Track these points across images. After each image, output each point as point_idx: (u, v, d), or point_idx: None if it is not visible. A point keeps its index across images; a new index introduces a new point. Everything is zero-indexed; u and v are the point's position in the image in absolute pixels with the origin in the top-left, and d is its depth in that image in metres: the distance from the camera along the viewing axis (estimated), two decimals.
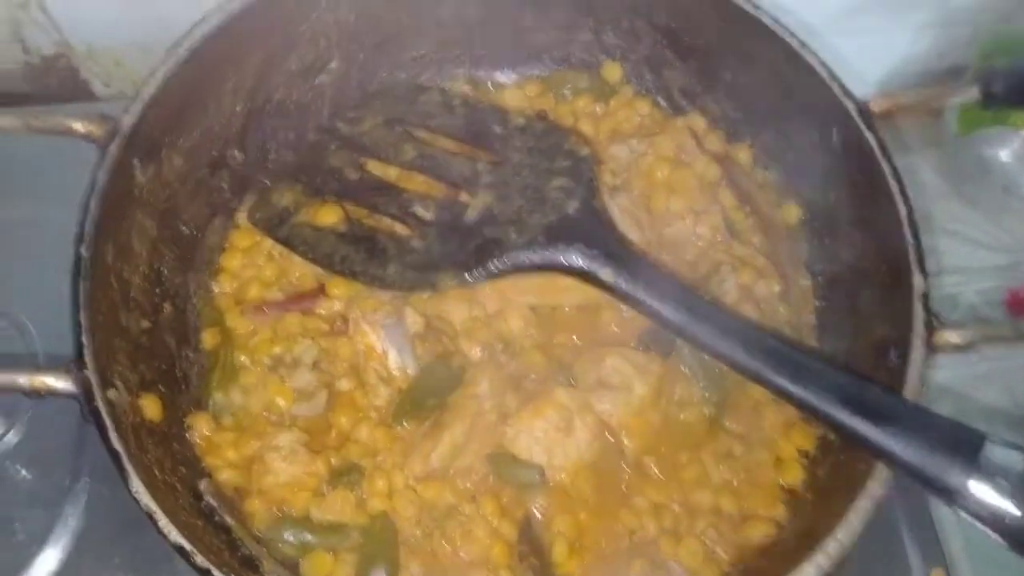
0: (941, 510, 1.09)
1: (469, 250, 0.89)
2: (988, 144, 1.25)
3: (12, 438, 1.03)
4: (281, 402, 0.89)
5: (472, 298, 0.94)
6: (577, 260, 0.85)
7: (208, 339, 0.95)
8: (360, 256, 0.92)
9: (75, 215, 0.82)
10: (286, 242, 0.96)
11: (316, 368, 0.91)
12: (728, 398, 0.92)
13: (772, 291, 0.97)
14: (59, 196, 0.97)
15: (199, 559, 0.70)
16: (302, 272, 0.97)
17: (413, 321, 0.92)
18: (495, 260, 0.87)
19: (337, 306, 0.95)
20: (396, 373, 0.91)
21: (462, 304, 0.93)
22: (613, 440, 0.90)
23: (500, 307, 0.94)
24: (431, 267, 0.89)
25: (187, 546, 0.70)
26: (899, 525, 1.03)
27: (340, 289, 0.95)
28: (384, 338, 0.91)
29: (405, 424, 0.89)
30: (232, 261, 0.99)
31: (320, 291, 0.96)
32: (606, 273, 0.84)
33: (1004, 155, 1.24)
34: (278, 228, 0.97)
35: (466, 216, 0.92)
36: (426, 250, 0.91)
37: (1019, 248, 1.32)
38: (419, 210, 0.95)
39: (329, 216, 0.95)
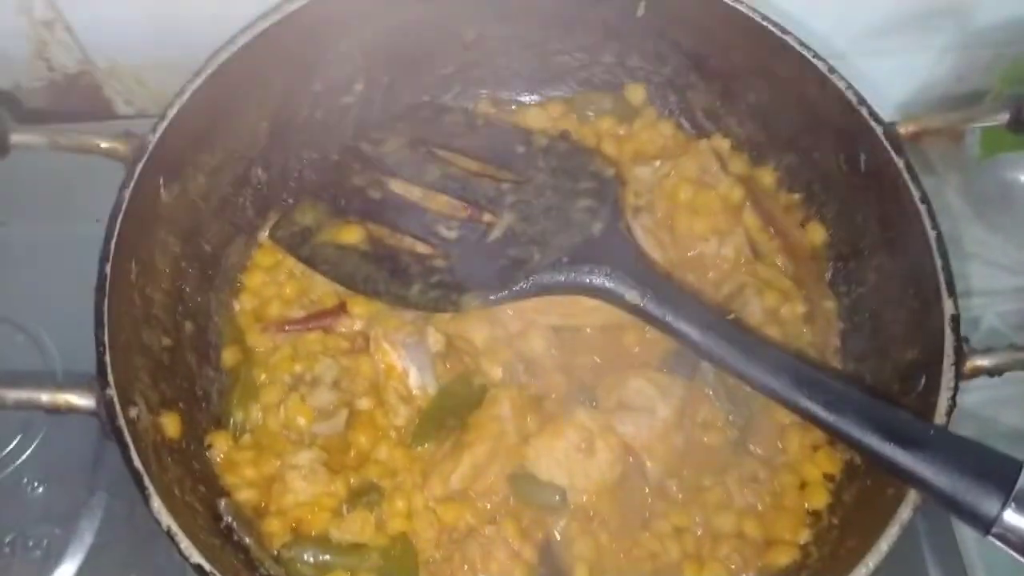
0: (964, 532, 1.08)
1: (493, 270, 0.88)
2: (1010, 167, 1.25)
3: (28, 453, 1.02)
4: (301, 421, 0.89)
5: (494, 318, 0.93)
6: (603, 282, 0.84)
7: (228, 357, 0.95)
8: (383, 275, 0.91)
9: (97, 233, 0.82)
10: (309, 261, 0.96)
11: (336, 387, 0.91)
12: (752, 421, 0.91)
13: (796, 313, 0.97)
14: (83, 214, 0.99)
15: None
16: (323, 290, 0.97)
17: (435, 341, 0.92)
18: (519, 281, 0.86)
19: (358, 325, 0.95)
20: (417, 392, 0.90)
21: (484, 324, 0.93)
22: (635, 463, 0.89)
23: (522, 327, 0.93)
24: (454, 287, 0.88)
25: (207, 567, 0.69)
26: (922, 547, 1.03)
27: (361, 308, 0.95)
28: (405, 357, 0.91)
29: (425, 445, 0.89)
30: (254, 279, 1.00)
31: (341, 309, 0.95)
32: (632, 295, 0.83)
33: None
34: (301, 247, 0.96)
35: (490, 236, 0.92)
36: (449, 270, 0.90)
37: None
38: (442, 230, 0.94)
39: (352, 235, 0.95)
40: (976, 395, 1.09)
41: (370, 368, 0.92)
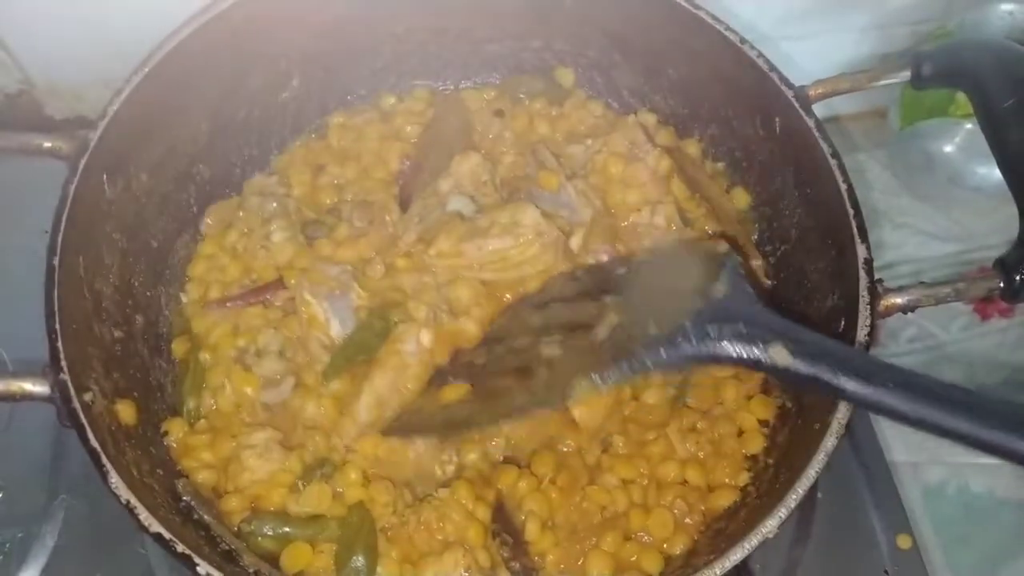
0: (905, 480, 1.13)
1: (604, 360, 0.78)
2: (932, 138, 1.30)
3: None
4: (248, 390, 0.91)
5: (424, 267, 0.97)
6: (736, 343, 0.71)
7: (178, 348, 0.97)
8: (486, 412, 0.86)
9: (39, 241, 0.83)
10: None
11: (282, 357, 0.93)
12: (689, 378, 0.95)
13: None
14: (22, 223, 1.00)
15: (180, 547, 0.71)
16: (264, 267, 0.99)
17: (358, 295, 0.94)
18: (633, 360, 0.75)
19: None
20: (339, 342, 0.93)
21: (414, 273, 0.96)
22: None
23: (451, 277, 0.96)
24: (560, 385, 0.79)
25: (167, 535, 0.71)
26: (864, 496, 1.07)
27: (294, 278, 0.97)
28: (328, 308, 0.93)
29: (336, 383, 0.91)
30: (197, 268, 1.02)
31: (279, 284, 0.97)
32: (777, 350, 0.70)
33: (948, 148, 1.28)
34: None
35: (597, 337, 0.83)
36: (552, 375, 0.83)
37: (968, 237, 1.37)
38: (544, 350, 0.86)
39: (453, 394, 0.89)
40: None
41: (298, 325, 0.94)
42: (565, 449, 0.91)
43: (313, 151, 1.11)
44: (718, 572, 0.73)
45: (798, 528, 1.04)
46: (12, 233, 1.14)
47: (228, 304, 0.97)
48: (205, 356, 0.94)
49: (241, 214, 1.04)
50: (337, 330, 0.93)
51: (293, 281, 0.96)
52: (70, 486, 1.03)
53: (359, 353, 0.92)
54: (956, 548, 1.15)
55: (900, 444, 1.17)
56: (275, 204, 1.03)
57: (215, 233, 1.03)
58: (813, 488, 0.77)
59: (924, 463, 1.20)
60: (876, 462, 1.11)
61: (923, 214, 1.40)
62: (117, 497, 0.73)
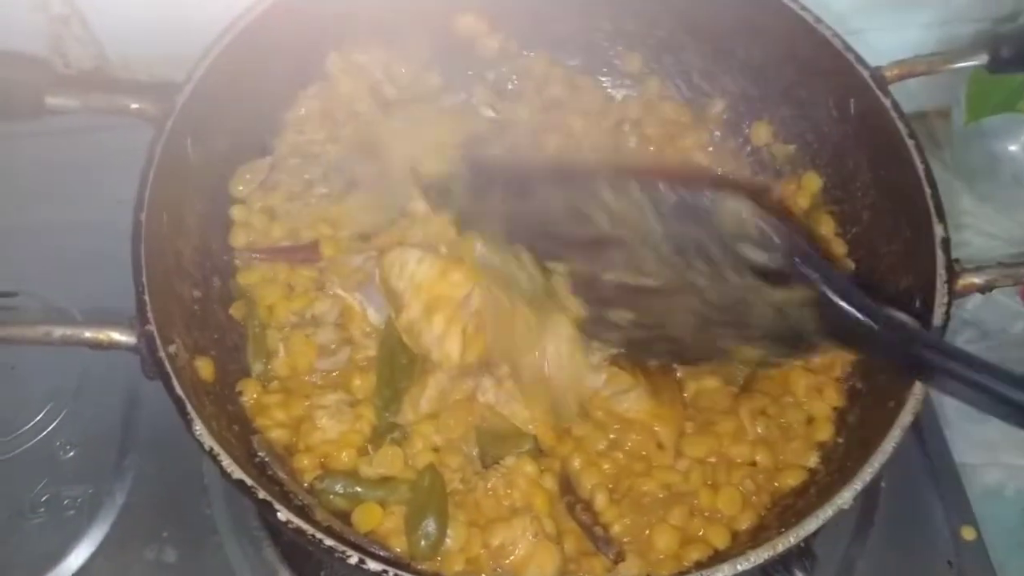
0: (969, 471, 1.12)
1: None
2: (996, 136, 1.29)
3: (59, 419, 1.07)
4: (306, 359, 0.92)
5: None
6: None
7: (236, 310, 0.97)
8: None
9: (115, 212, 0.86)
10: None
11: (338, 327, 0.94)
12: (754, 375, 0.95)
13: None
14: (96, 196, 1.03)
15: (261, 493, 0.72)
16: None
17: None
18: None
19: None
20: (380, 327, 0.94)
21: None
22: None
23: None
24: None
25: (249, 481, 0.73)
26: (927, 487, 1.06)
27: (330, 250, 0.97)
28: (361, 300, 0.95)
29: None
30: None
31: (314, 248, 0.97)
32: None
33: (1013, 147, 1.27)
34: None
35: None
36: None
37: None
38: None
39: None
40: None
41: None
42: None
43: None
44: (792, 540, 0.73)
45: (861, 515, 1.03)
46: (86, 205, 1.17)
47: (257, 256, 0.97)
48: (262, 319, 0.95)
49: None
50: (375, 318, 0.94)
51: (328, 251, 0.97)
52: (139, 448, 1.06)
53: (399, 382, 0.91)
54: (1014, 551, 1.13)
55: (958, 445, 1.15)
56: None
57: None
58: (877, 477, 0.76)
59: (982, 465, 1.18)
60: (940, 454, 1.10)
61: (985, 215, 1.38)
62: (200, 444, 0.74)
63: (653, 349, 0.89)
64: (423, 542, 0.81)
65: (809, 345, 0.78)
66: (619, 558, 0.83)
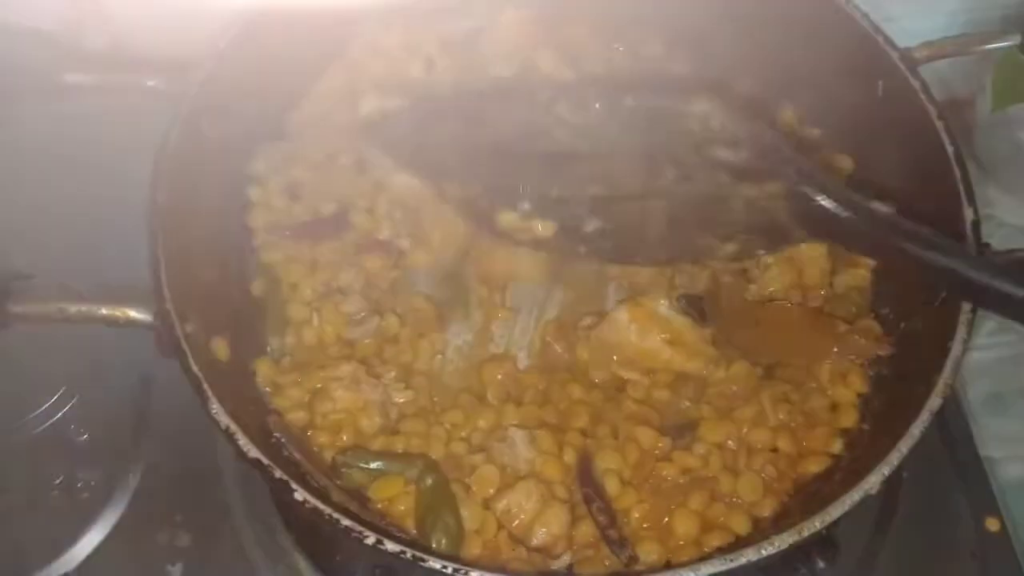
0: (993, 461, 1.10)
1: None
2: (1021, 127, 1.26)
3: (73, 403, 1.06)
4: (335, 328, 0.91)
5: None
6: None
7: (256, 287, 0.96)
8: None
9: (130, 192, 0.85)
10: None
11: (364, 296, 0.94)
12: (778, 363, 0.93)
13: None
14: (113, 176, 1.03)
15: (278, 472, 0.71)
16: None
17: None
18: None
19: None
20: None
21: None
22: None
23: None
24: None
25: (265, 460, 0.72)
26: (950, 478, 1.05)
27: (361, 218, 0.97)
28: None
29: None
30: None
31: (341, 219, 0.97)
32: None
33: None
34: None
35: None
36: None
37: None
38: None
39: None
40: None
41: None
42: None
43: None
44: (818, 525, 0.71)
45: (884, 506, 1.01)
46: (103, 187, 1.17)
47: (285, 233, 0.96)
48: (286, 293, 0.94)
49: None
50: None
51: (359, 220, 0.97)
52: (153, 432, 1.05)
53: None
54: None
55: (980, 439, 1.13)
56: None
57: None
58: (900, 467, 0.75)
59: (1004, 458, 1.16)
60: (964, 445, 1.08)
61: (1008, 207, 1.35)
62: (217, 423, 0.74)
63: (632, 254, 0.89)
64: (444, 540, 0.79)
65: (784, 236, 0.80)
66: (632, 561, 0.81)
